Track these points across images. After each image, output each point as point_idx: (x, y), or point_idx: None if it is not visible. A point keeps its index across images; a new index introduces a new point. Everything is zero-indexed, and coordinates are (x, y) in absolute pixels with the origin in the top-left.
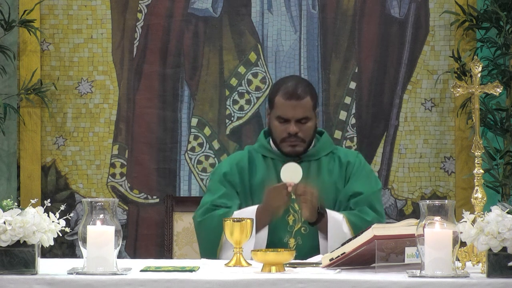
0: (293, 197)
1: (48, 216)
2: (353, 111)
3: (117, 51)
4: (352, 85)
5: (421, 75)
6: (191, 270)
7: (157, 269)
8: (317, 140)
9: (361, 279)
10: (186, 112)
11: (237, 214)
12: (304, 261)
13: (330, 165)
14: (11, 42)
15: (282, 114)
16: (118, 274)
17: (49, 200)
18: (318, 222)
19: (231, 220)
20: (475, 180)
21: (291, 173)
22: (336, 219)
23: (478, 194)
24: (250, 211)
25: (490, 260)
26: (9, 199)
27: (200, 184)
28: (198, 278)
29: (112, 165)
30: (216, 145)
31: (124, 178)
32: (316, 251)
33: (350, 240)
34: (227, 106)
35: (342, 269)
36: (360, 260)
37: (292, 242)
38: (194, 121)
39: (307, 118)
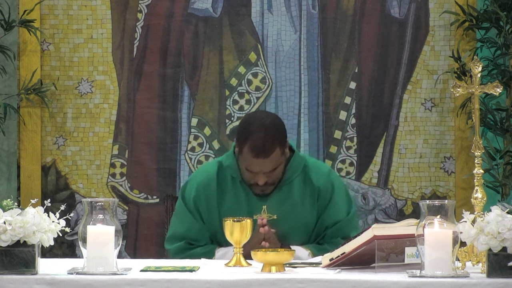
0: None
1: (48, 216)
2: (353, 111)
3: (117, 51)
4: (352, 85)
5: (421, 75)
6: (191, 270)
7: (157, 269)
8: (287, 161)
9: (361, 279)
10: (186, 112)
11: (219, 256)
12: (304, 261)
13: (301, 190)
14: (11, 42)
15: (250, 169)
16: (118, 274)
17: (49, 200)
18: None
19: (231, 220)
20: (475, 180)
21: None
22: (300, 257)
23: (478, 194)
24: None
25: (490, 260)
26: (9, 199)
27: None
28: (198, 278)
29: (112, 165)
30: (216, 145)
31: (124, 178)
32: None
33: (350, 240)
34: (227, 106)
35: (342, 269)
36: (360, 260)
37: None
38: (194, 121)
39: (276, 167)
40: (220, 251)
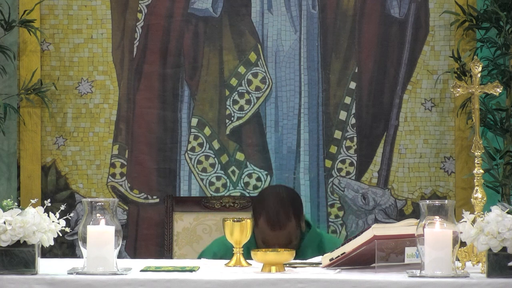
0: None
1: (48, 216)
2: (353, 111)
3: (117, 51)
4: (352, 85)
5: (421, 75)
6: (191, 270)
7: (157, 269)
8: (303, 236)
9: (361, 279)
10: (186, 112)
11: None
12: (304, 261)
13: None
14: (11, 42)
15: (266, 241)
16: (118, 274)
17: (49, 200)
18: None
19: (231, 220)
20: (475, 180)
21: None
22: None
23: (478, 194)
24: None
25: (490, 260)
26: (9, 199)
27: (200, 184)
28: (198, 278)
29: (112, 165)
30: (216, 145)
31: (124, 178)
32: None
33: (350, 240)
34: (227, 106)
35: (342, 269)
36: (360, 260)
37: None
38: (194, 121)
39: (291, 241)
40: None
